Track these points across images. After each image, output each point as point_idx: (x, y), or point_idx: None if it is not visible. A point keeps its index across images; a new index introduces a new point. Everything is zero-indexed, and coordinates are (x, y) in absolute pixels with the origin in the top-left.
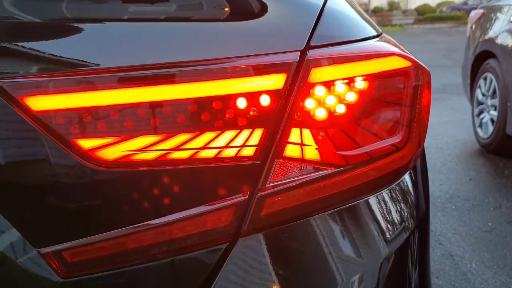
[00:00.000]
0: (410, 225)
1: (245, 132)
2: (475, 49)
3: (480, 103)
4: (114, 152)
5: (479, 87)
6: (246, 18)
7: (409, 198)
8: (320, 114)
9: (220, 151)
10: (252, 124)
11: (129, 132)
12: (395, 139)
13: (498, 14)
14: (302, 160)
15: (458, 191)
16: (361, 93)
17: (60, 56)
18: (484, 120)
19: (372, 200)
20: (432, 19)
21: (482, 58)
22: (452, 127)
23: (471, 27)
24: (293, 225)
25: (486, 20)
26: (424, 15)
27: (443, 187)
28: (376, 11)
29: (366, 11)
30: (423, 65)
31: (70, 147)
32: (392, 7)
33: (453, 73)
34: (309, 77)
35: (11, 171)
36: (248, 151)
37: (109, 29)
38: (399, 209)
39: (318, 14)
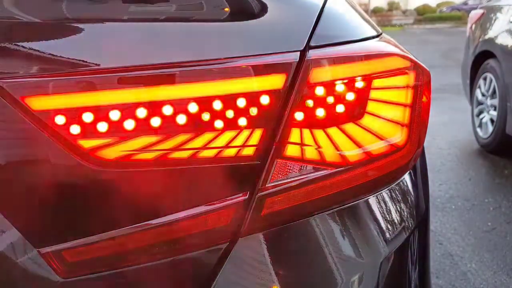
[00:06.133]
0: (410, 225)
1: (245, 132)
2: (475, 49)
3: (479, 103)
4: (114, 152)
5: (479, 87)
6: (246, 18)
7: (409, 198)
8: (320, 114)
9: (220, 151)
10: (252, 124)
11: (129, 132)
12: (395, 139)
13: (498, 14)
14: (302, 160)
15: (458, 191)
16: (361, 93)
17: (60, 56)
18: (483, 120)
19: (372, 200)
20: (432, 19)
21: (482, 58)
22: (452, 127)
23: (471, 27)
24: (293, 225)
25: (486, 20)
26: (424, 15)
27: (443, 187)
28: (376, 11)
29: (366, 11)
30: (423, 65)
31: (70, 147)
32: (392, 7)
33: (453, 73)
34: (309, 77)
35: (11, 171)
36: (248, 151)
37: (109, 29)
38: (399, 209)
39: (318, 14)
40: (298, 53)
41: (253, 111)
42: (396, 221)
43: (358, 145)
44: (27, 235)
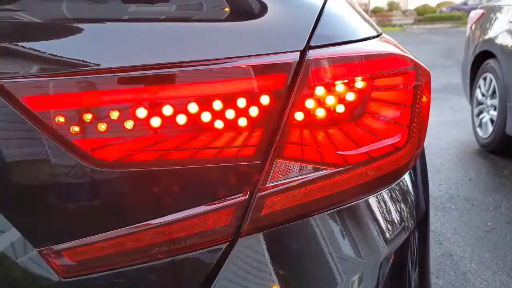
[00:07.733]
0: (410, 225)
1: (245, 132)
2: (474, 49)
3: (479, 103)
4: (114, 152)
5: (479, 87)
6: (246, 18)
7: (409, 198)
8: (320, 114)
9: (220, 151)
10: (252, 124)
11: (129, 132)
12: (395, 139)
13: (498, 14)
14: (302, 160)
15: (458, 191)
16: (361, 93)
17: (60, 56)
18: (483, 120)
19: (372, 200)
20: (432, 19)
21: (482, 58)
22: (452, 127)
23: (471, 27)
24: (293, 225)
25: (486, 20)
26: (423, 15)
27: (443, 187)
28: (376, 11)
29: (366, 11)
30: (423, 65)
31: (70, 147)
32: (391, 7)
33: (453, 73)
34: (309, 77)
35: (11, 171)
36: (248, 151)
37: (109, 29)
38: (399, 209)
39: (318, 14)
40: (298, 53)
41: (253, 111)
42: (396, 221)
43: (358, 145)
44: (27, 235)
